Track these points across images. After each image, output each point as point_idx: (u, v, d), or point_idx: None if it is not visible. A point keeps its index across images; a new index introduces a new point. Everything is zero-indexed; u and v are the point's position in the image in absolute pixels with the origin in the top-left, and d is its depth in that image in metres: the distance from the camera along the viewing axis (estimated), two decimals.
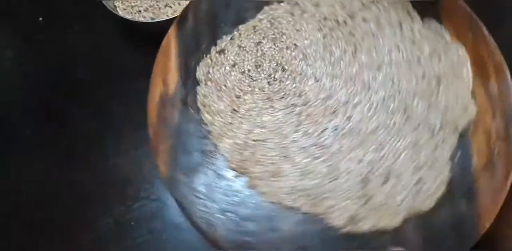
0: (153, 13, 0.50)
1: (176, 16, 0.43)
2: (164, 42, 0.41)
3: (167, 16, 0.49)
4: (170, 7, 0.50)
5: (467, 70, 0.39)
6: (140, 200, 0.42)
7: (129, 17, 0.49)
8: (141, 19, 0.49)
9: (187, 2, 0.46)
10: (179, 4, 0.50)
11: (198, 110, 0.39)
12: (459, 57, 0.40)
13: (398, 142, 0.37)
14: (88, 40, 0.52)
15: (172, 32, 0.41)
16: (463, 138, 0.38)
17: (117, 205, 0.42)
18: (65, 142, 0.46)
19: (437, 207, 0.35)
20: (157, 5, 0.50)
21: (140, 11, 0.50)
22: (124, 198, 0.43)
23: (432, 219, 0.35)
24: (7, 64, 0.52)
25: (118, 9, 0.50)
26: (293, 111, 0.39)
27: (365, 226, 0.35)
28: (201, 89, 0.40)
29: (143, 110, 0.46)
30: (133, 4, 0.50)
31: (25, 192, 0.44)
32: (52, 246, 0.43)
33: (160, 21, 0.46)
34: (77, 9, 0.53)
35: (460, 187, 0.36)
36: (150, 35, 0.49)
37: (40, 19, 0.53)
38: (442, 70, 0.39)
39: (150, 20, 0.49)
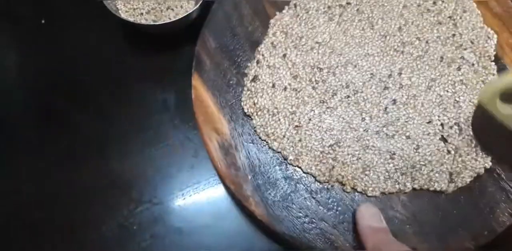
0: (155, 15, 0.48)
1: (177, 19, 0.42)
2: (194, 94, 0.39)
3: (169, 19, 0.48)
4: (172, 10, 0.49)
5: (469, 1, 0.41)
6: (143, 204, 0.42)
7: (131, 19, 0.48)
8: (143, 22, 0.48)
9: (189, 6, 0.45)
10: (181, 7, 0.49)
11: (263, 142, 0.38)
12: None
13: (452, 89, 0.39)
14: (88, 41, 0.50)
15: (196, 81, 0.40)
16: (499, 62, 0.40)
17: (120, 208, 0.42)
18: (65, 143, 0.45)
19: None
20: (159, 7, 0.49)
21: (142, 13, 0.49)
22: (127, 201, 0.42)
23: None
24: (7, 64, 0.50)
25: (120, 11, 0.49)
26: (349, 103, 0.39)
27: (465, 178, 0.37)
28: (256, 122, 0.39)
29: (144, 111, 0.46)
30: (135, 6, 0.49)
31: (25, 192, 0.43)
32: (52, 246, 0.42)
33: (161, 23, 0.45)
34: (78, 9, 0.51)
35: None
36: (152, 37, 0.49)
37: (43, 22, 0.51)
38: (450, 10, 0.41)
39: (152, 23, 0.47)
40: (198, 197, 0.43)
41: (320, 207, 0.37)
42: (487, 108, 0.26)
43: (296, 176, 0.38)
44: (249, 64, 0.40)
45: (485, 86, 0.28)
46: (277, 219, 0.36)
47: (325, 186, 0.37)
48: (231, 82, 0.40)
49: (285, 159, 0.38)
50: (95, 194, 0.43)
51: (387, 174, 0.37)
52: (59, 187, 0.43)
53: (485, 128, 0.29)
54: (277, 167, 0.38)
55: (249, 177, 0.37)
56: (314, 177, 0.37)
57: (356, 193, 0.37)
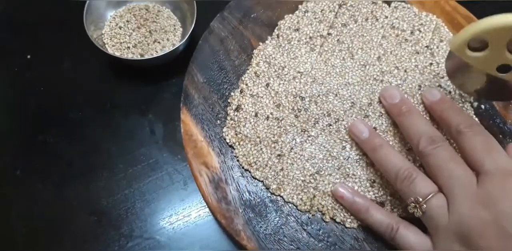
0: (142, 49, 0.49)
1: (164, 53, 0.43)
2: (183, 128, 0.40)
3: (156, 52, 0.49)
4: (159, 43, 0.49)
5: (446, 31, 0.43)
6: (134, 239, 0.42)
7: (117, 54, 0.48)
8: (130, 56, 0.48)
9: (176, 38, 0.46)
10: (167, 39, 0.50)
11: (247, 172, 0.39)
12: (434, 23, 0.43)
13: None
14: (75, 74, 0.51)
15: (185, 115, 0.40)
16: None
17: (110, 244, 0.42)
18: (56, 179, 0.45)
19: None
20: (146, 41, 0.49)
21: (128, 47, 0.49)
22: (117, 237, 0.42)
23: None
24: None
25: (106, 46, 0.49)
26: (331, 131, 0.39)
27: None
28: (238, 151, 0.39)
29: (132, 144, 0.47)
30: (121, 40, 0.49)
31: (16, 230, 0.43)
32: None
33: (148, 58, 0.46)
34: (64, 44, 0.52)
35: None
36: (139, 69, 0.50)
37: (28, 57, 0.52)
38: (428, 40, 0.43)
39: (139, 57, 0.48)
40: (189, 230, 0.43)
41: (311, 239, 0.37)
42: (458, 55, 0.33)
43: (286, 208, 0.38)
44: (233, 94, 0.41)
45: (453, 37, 0.32)
46: None
47: (309, 217, 0.37)
48: (219, 115, 0.40)
49: (267, 188, 0.38)
50: (85, 230, 0.43)
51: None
52: (50, 225, 0.43)
53: (458, 69, 0.36)
54: (267, 200, 0.38)
55: (240, 211, 0.37)
56: (296, 206, 0.38)
57: (338, 223, 0.37)
